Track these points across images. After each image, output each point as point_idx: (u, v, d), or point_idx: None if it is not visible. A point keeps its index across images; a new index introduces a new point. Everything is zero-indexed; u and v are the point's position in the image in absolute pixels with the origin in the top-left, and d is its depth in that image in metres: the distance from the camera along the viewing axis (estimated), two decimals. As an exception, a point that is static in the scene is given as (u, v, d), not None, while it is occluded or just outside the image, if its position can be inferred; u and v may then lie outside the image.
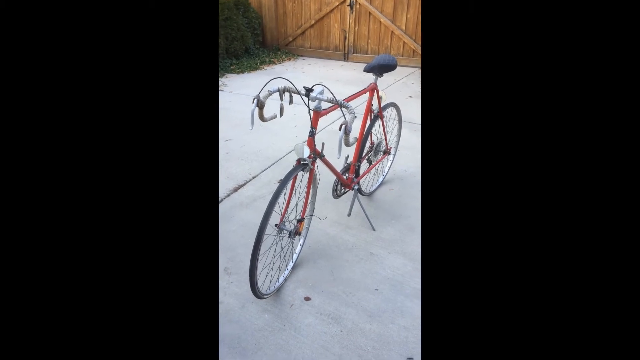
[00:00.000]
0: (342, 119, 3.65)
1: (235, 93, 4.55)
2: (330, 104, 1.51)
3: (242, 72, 5.54)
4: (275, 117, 1.60)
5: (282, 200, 1.54)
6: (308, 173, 1.63)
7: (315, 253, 1.97)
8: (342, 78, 5.27)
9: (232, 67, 5.61)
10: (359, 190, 2.23)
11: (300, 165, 1.57)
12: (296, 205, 1.90)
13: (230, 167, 2.81)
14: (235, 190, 2.53)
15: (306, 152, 1.51)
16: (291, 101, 1.55)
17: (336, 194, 2.10)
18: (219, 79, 5.15)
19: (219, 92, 4.58)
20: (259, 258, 1.47)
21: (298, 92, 1.49)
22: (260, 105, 1.48)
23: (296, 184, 1.66)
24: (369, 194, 2.45)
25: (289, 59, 6.38)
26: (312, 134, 1.55)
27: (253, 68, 5.71)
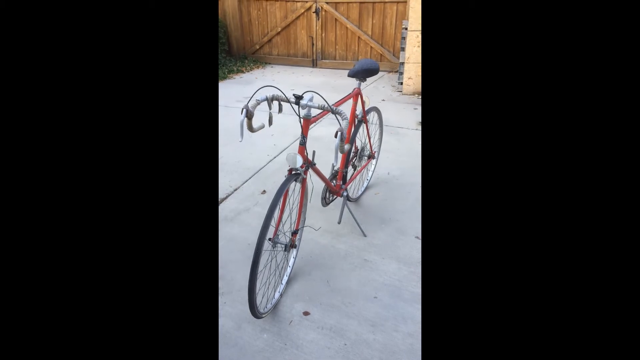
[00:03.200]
0: (320, 126, 3.62)
1: (206, 104, 4.42)
2: (320, 110, 1.47)
3: (210, 82, 5.40)
4: (263, 126, 1.54)
5: (275, 212, 1.48)
6: (301, 183, 1.58)
7: (309, 264, 1.91)
8: (313, 84, 5.26)
9: (199, 78, 5.47)
10: (347, 197, 2.19)
11: (293, 175, 1.51)
12: (289, 216, 1.83)
13: (209, 181, 2.70)
14: (218, 204, 2.43)
15: (299, 162, 1.46)
16: (280, 110, 1.49)
17: (325, 202, 2.05)
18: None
19: (189, 104, 4.43)
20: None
21: (288, 100, 1.44)
22: (249, 115, 1.42)
23: (289, 195, 1.60)
24: (356, 200, 2.42)
25: (257, 67, 6.30)
26: (303, 143, 1.50)
27: (221, 78, 5.58)
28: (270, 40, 6.40)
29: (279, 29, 6.21)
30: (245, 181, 2.70)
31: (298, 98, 1.42)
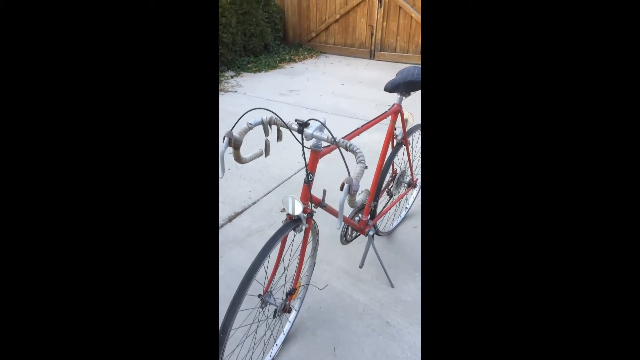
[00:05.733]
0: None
1: (249, 95, 4.17)
2: (329, 144, 1.08)
3: (259, 70, 5.16)
4: (260, 154, 1.19)
5: (267, 267, 1.14)
6: (302, 232, 1.22)
7: (316, 318, 1.56)
8: (367, 79, 4.79)
9: (249, 66, 5.25)
10: (376, 232, 1.79)
11: (292, 222, 1.16)
12: (285, 271, 1.48)
13: (229, 188, 2.44)
14: (230, 220, 2.15)
15: (298, 209, 1.10)
16: (279, 137, 1.13)
17: (345, 240, 1.68)
18: (234, 78, 4.80)
19: (232, 94, 4.22)
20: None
21: (288, 127, 1.08)
22: (235, 144, 1.08)
23: (286, 245, 1.25)
24: (388, 234, 2.01)
25: (311, 57, 5.95)
26: (307, 181, 1.13)
27: (271, 66, 5.32)
28: (327, 28, 6.00)
29: (338, 16, 5.79)
30: (267, 193, 2.40)
31: (302, 125, 1.05)
